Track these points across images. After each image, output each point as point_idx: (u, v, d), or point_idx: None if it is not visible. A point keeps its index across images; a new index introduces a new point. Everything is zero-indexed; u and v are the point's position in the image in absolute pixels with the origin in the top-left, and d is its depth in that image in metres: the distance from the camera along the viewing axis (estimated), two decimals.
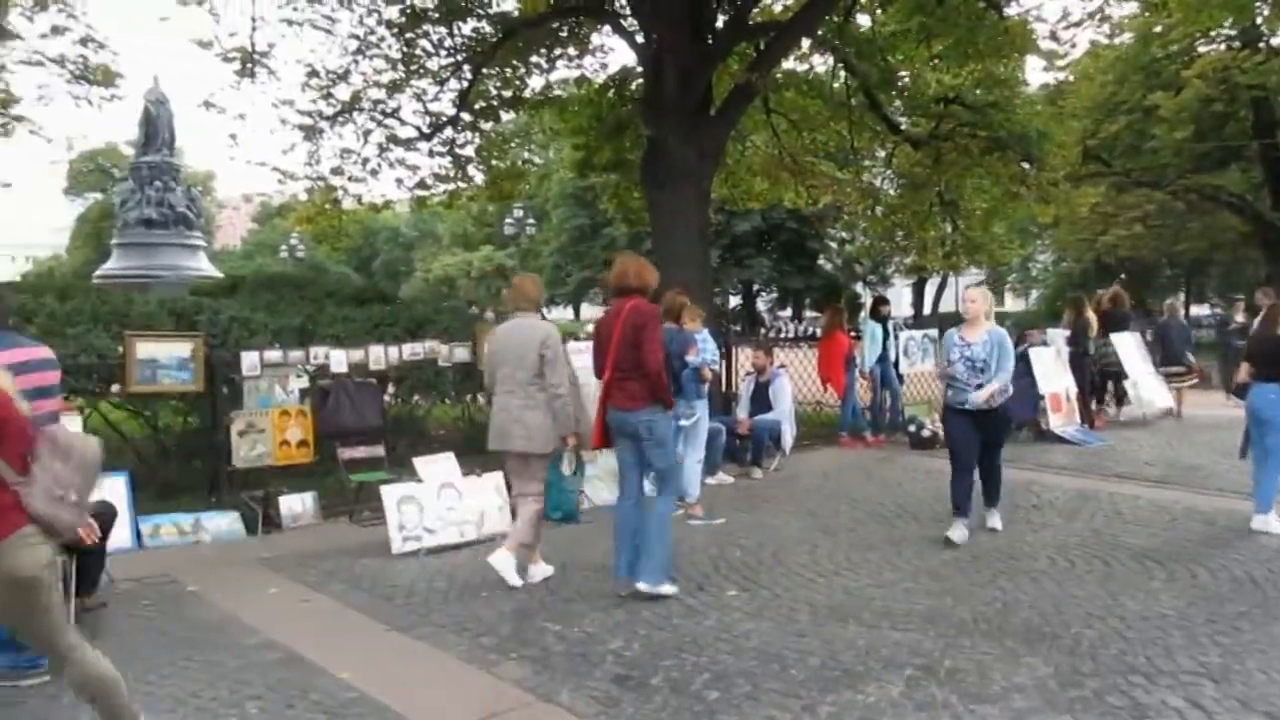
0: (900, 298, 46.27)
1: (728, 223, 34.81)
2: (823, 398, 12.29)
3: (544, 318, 6.39)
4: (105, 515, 5.41)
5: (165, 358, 7.17)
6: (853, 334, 12.07)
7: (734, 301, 45.39)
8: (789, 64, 13.94)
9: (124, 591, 5.65)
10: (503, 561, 5.75)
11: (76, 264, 51.23)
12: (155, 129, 26.09)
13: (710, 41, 11.46)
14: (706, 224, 12.03)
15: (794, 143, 14.76)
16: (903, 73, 13.69)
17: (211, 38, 11.78)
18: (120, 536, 6.19)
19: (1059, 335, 12.59)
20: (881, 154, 16.27)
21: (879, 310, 12.20)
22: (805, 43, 13.21)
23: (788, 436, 9.73)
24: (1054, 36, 14.84)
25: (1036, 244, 37.06)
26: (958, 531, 6.69)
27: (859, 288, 44.77)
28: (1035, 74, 30.44)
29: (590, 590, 5.70)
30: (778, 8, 13.79)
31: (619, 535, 5.68)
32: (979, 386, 6.60)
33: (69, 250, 61.15)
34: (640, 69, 12.25)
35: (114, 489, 6.49)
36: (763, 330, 35.77)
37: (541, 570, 5.94)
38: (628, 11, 11.98)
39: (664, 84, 10.89)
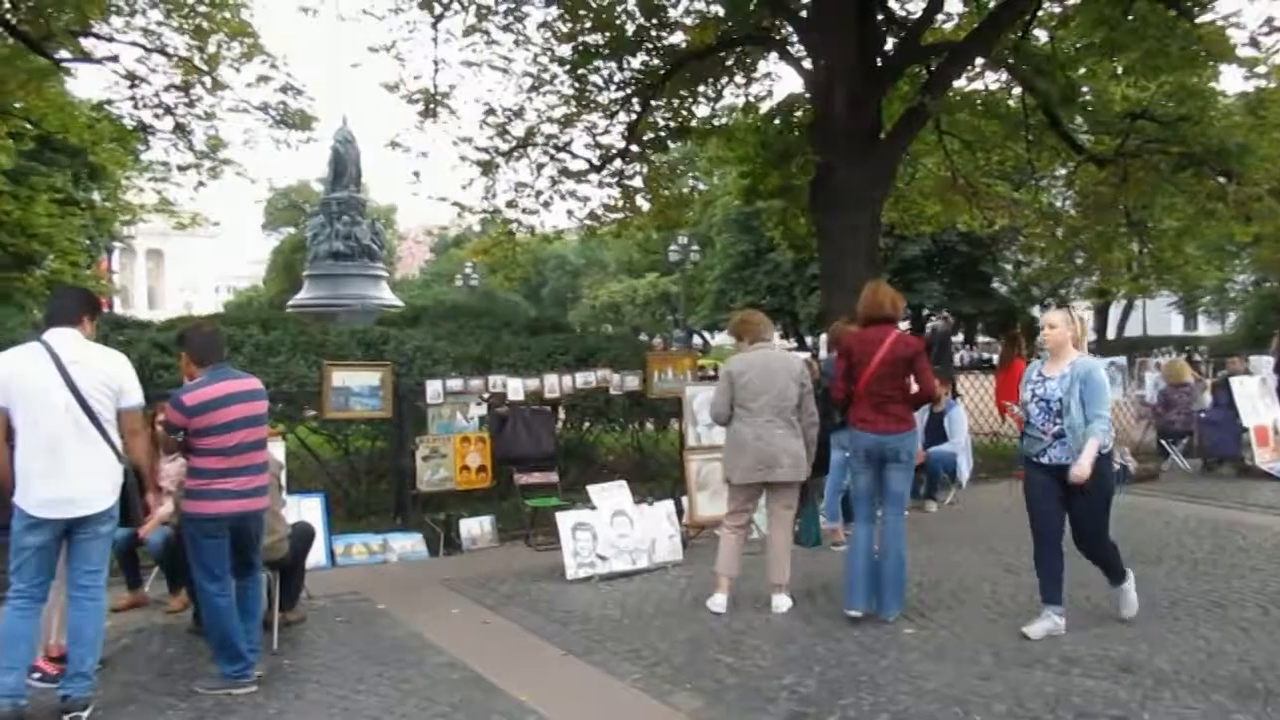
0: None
1: (896, 246, 34.00)
2: (1000, 428, 11.82)
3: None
4: (304, 534, 5.78)
5: (357, 385, 7.59)
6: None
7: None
8: (962, 83, 13.58)
9: (320, 608, 5.99)
10: (783, 603, 5.83)
11: (272, 294, 54.87)
12: (343, 167, 27.79)
13: (880, 64, 11.31)
14: (876, 249, 11.83)
15: (967, 164, 14.35)
16: (1085, 88, 13.09)
17: (397, 81, 12.50)
18: (316, 555, 6.57)
19: (1264, 363, 11.72)
20: (1062, 173, 15.59)
21: None
22: (979, 61, 12.83)
23: (964, 469, 9.41)
24: (1254, 42, 13.85)
25: (1234, 264, 34.55)
26: (1041, 625, 5.26)
27: (1036, 312, 42.85)
28: (1233, 83, 28.50)
29: (762, 623, 5.66)
30: (949, 25, 13.47)
31: (855, 563, 5.68)
32: (1058, 435, 5.20)
33: (265, 281, 65.68)
34: (808, 95, 12.19)
35: (310, 509, 6.92)
36: (934, 356, 34.69)
37: (718, 603, 5.94)
38: (795, 39, 11.98)
39: (832, 109, 10.80)
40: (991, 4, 11.65)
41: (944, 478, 9.29)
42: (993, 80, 14.07)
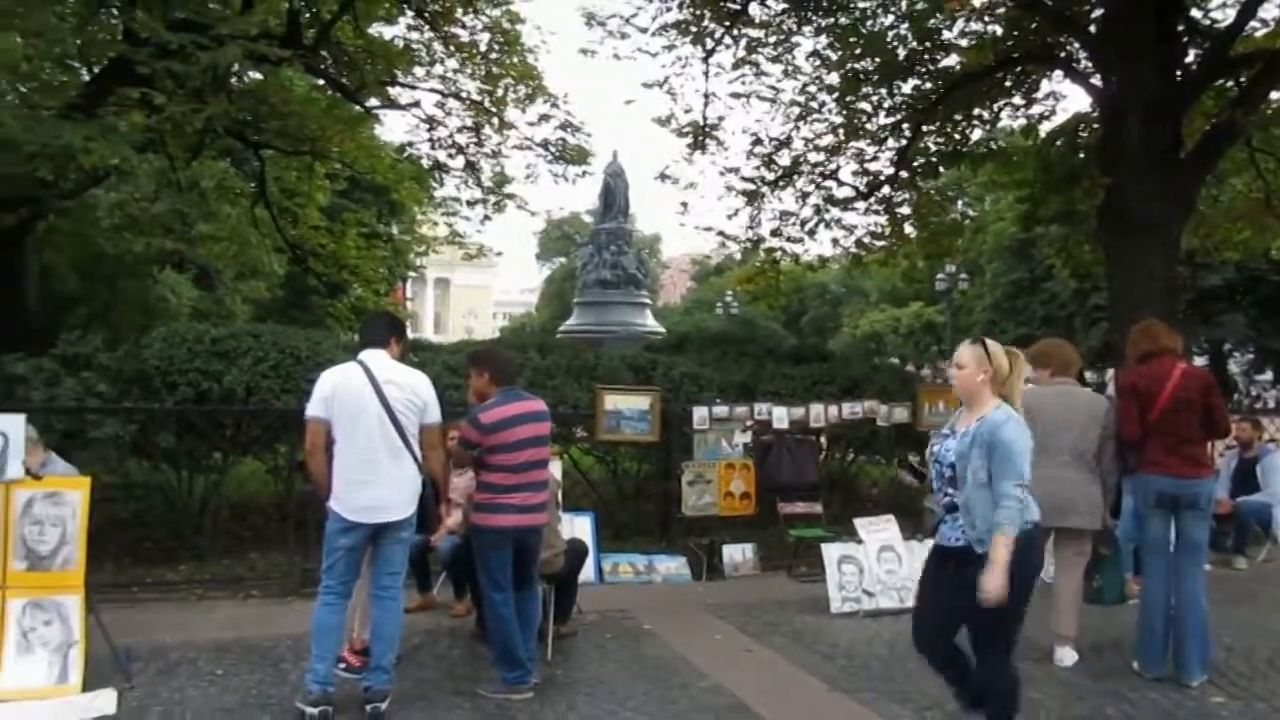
0: None
1: (1193, 275, 31.13)
2: None
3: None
4: (578, 551, 6.01)
5: (628, 409, 7.85)
6: None
7: (1200, 363, 40.34)
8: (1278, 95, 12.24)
9: (589, 623, 6.20)
10: (1068, 656, 5.53)
11: (543, 320, 58.01)
12: (613, 198, 28.95)
13: (1180, 78, 10.41)
14: (1174, 279, 10.84)
15: None
16: None
17: (668, 114, 12.89)
18: (586, 572, 6.80)
19: None
20: None
21: None
22: None
23: None
24: None
25: None
26: None
27: None
28: None
29: (1044, 676, 5.29)
30: (1261, 33, 12.18)
31: (1150, 619, 5.31)
32: (950, 508, 3.98)
33: (537, 308, 69.59)
34: (1096, 114, 11.42)
35: (582, 528, 7.20)
36: (1236, 396, 31.36)
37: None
38: (1082, 55, 11.27)
39: (1126, 129, 10.02)
40: None
41: (1256, 531, 8.33)
42: None
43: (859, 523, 7.03)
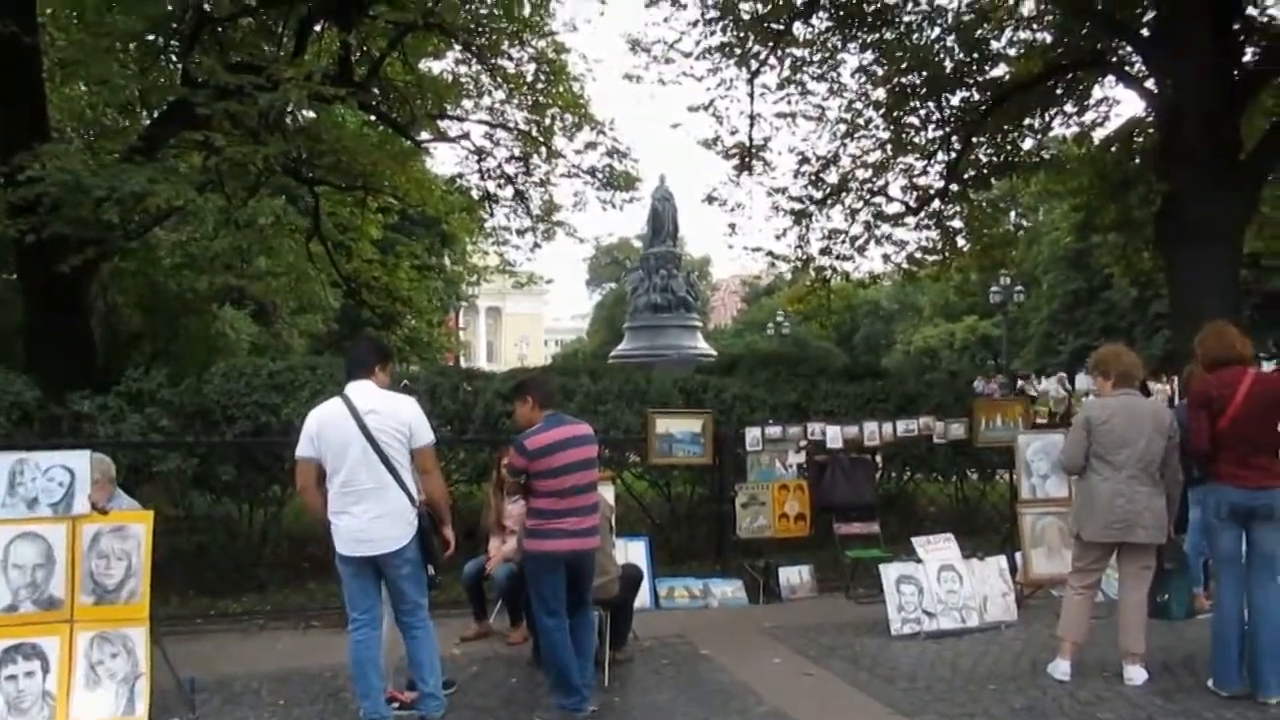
0: None
1: (1258, 278, 30.37)
2: None
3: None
4: (633, 576, 5.98)
5: (680, 432, 7.81)
6: None
7: (1268, 368, 39.19)
8: None
9: (646, 649, 6.15)
10: (1138, 674, 5.37)
11: (595, 346, 58.27)
12: (661, 223, 29.07)
13: (1237, 78, 10.18)
14: (1237, 283, 10.57)
15: None
16: None
17: (713, 136, 12.90)
18: (641, 597, 6.76)
19: None
20: None
21: None
22: None
23: None
24: None
25: None
26: None
27: None
28: None
29: (1113, 695, 5.14)
30: None
31: (1223, 635, 5.13)
32: None
33: (588, 334, 69.95)
34: (1151, 118, 11.22)
35: (636, 553, 7.17)
36: None
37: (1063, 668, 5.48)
38: (1136, 59, 11.08)
39: (1183, 132, 9.82)
40: None
41: None
42: None
43: (917, 542, 6.91)
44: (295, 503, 8.07)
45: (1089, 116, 12.81)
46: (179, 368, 9.74)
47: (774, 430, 8.03)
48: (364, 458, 4.53)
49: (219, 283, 12.46)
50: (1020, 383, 29.88)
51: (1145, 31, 10.63)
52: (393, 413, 4.63)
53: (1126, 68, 11.29)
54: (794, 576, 7.68)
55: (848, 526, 7.83)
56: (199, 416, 7.31)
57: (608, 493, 6.76)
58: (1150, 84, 10.70)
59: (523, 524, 5.22)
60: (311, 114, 10.65)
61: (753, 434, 7.94)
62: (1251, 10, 10.90)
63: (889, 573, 6.62)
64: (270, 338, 19.37)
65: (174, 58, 11.11)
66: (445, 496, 4.96)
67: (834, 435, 8.13)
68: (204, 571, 7.23)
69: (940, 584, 6.60)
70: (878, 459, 8.70)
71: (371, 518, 4.52)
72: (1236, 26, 10.35)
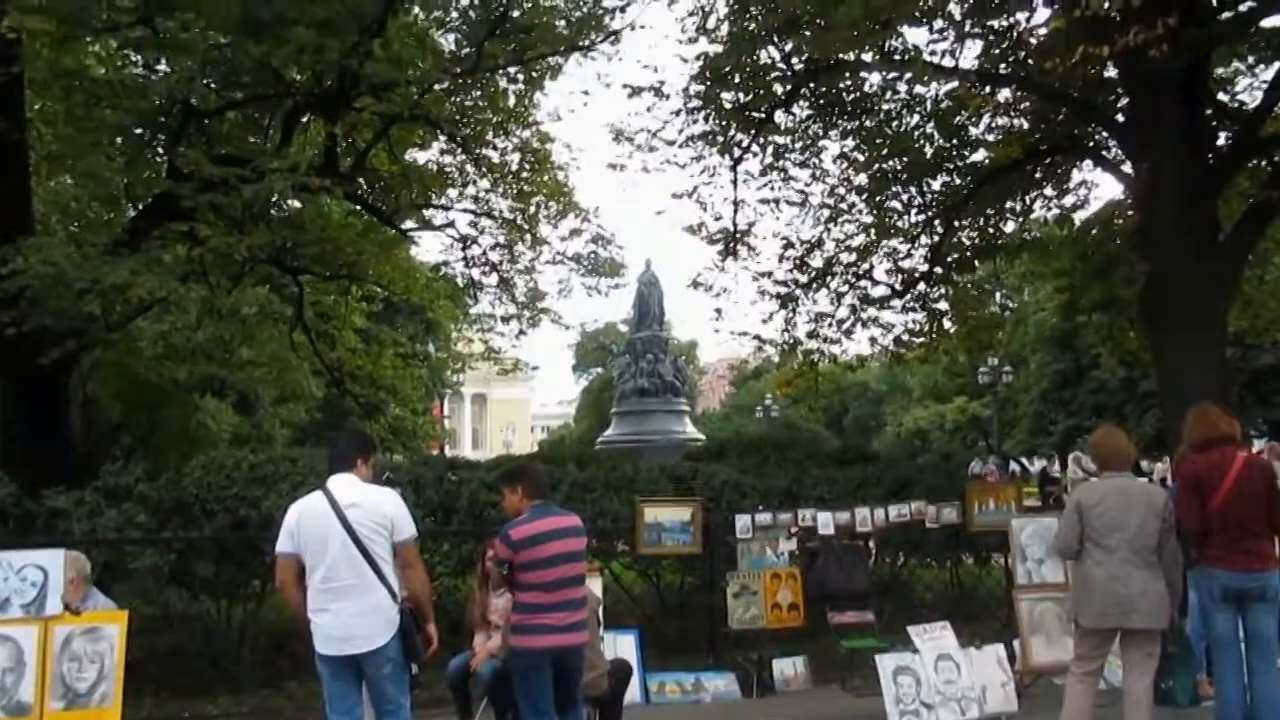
0: None
1: (1245, 356, 30.58)
2: None
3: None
4: (622, 671, 5.80)
5: (668, 521, 7.68)
6: None
7: (1258, 446, 39.22)
8: None
9: None
10: None
11: (582, 431, 57.94)
12: (647, 307, 29.12)
13: (1211, 162, 10.34)
14: (1224, 362, 10.58)
15: None
16: None
17: (698, 222, 12.99)
18: (631, 693, 6.54)
19: None
20: None
21: None
22: None
23: None
24: None
25: None
26: None
27: None
28: None
29: None
30: None
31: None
32: None
33: (575, 420, 69.65)
34: (1129, 200, 11.36)
35: (626, 646, 6.96)
36: None
37: None
38: (1112, 144, 11.27)
39: (1161, 216, 9.93)
40: None
41: None
42: None
43: (913, 631, 6.72)
44: (275, 598, 7.88)
45: (1069, 199, 12.96)
46: (158, 460, 9.61)
47: (764, 517, 7.90)
48: (344, 553, 4.39)
49: (200, 372, 12.35)
50: (1014, 466, 29.45)
51: (1120, 117, 10.83)
52: (375, 506, 4.51)
53: (1103, 152, 11.45)
54: (788, 668, 7.49)
55: (842, 615, 7.66)
56: (177, 511, 7.16)
57: (595, 585, 6.59)
58: (1127, 168, 10.86)
59: (508, 619, 5.06)
60: (297, 204, 10.70)
61: (743, 521, 7.81)
62: (1222, 96, 11.14)
63: (885, 664, 6.42)
64: (252, 428, 19.19)
65: (160, 151, 11.19)
66: (428, 592, 4.82)
67: (825, 521, 8.01)
68: (179, 672, 7.00)
69: (938, 674, 6.40)
70: (871, 545, 8.57)
71: (352, 615, 4.37)
72: (1209, 112, 10.57)
